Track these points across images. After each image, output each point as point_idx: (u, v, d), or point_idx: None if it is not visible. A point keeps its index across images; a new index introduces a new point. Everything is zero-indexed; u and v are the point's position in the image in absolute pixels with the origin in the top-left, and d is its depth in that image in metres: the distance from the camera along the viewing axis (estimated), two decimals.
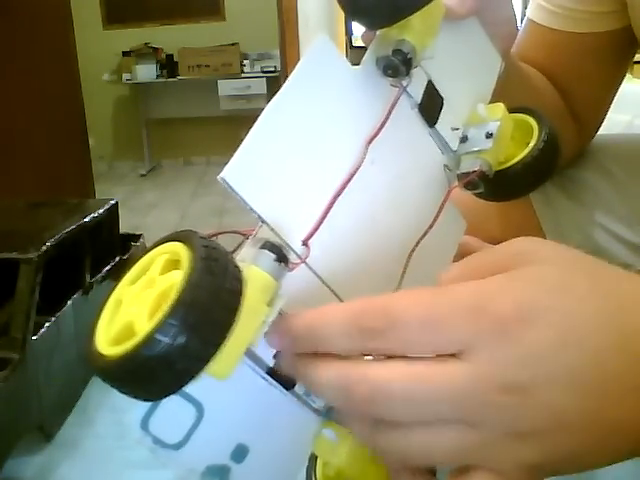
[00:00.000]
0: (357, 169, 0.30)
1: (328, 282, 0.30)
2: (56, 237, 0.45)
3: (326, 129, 0.30)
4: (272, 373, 0.29)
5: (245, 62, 4.52)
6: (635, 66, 1.61)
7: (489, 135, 0.37)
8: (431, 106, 0.35)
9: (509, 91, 0.47)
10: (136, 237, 0.62)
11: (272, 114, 0.27)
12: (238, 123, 4.80)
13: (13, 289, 0.41)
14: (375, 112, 0.32)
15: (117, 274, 0.55)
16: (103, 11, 4.77)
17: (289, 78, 0.28)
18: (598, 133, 0.65)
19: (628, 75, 0.65)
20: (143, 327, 0.22)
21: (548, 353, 0.23)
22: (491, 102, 0.40)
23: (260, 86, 4.40)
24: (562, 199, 0.61)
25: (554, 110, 0.59)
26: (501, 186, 0.38)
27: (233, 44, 4.53)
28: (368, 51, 0.33)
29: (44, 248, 0.43)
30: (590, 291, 0.24)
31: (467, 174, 0.36)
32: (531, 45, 0.60)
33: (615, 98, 0.62)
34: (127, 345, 0.22)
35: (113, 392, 0.47)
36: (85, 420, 0.44)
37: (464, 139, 0.37)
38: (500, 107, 0.38)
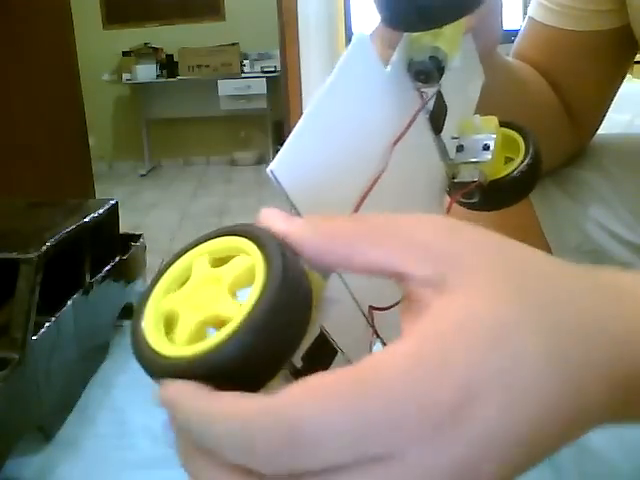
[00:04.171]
0: (383, 171, 0.30)
1: (350, 287, 0.29)
2: (56, 237, 0.45)
3: (358, 129, 0.30)
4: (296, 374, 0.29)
5: (245, 62, 4.53)
6: (635, 66, 1.61)
7: (486, 147, 0.38)
8: (439, 114, 0.36)
9: (499, 91, 0.47)
10: (136, 237, 0.62)
11: (315, 112, 0.27)
12: (238, 123, 4.81)
13: (13, 289, 0.41)
14: (398, 114, 0.32)
15: (117, 274, 0.55)
16: (103, 11, 4.77)
17: (331, 75, 0.28)
18: (598, 133, 0.65)
19: (628, 75, 0.65)
20: (232, 317, 0.22)
21: (491, 434, 0.20)
22: (483, 103, 0.41)
23: (260, 86, 4.40)
24: (561, 199, 0.61)
25: (548, 109, 0.59)
26: (489, 197, 0.39)
27: (233, 44, 4.53)
28: (397, 54, 0.33)
29: (44, 248, 0.43)
30: (530, 331, 0.21)
31: (464, 184, 0.37)
32: (531, 43, 0.60)
33: (615, 98, 0.62)
34: (216, 339, 0.21)
35: (113, 392, 0.47)
36: (85, 420, 0.44)
37: (460, 148, 0.38)
38: (494, 120, 0.39)
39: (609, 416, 0.23)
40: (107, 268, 0.53)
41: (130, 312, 0.58)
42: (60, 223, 0.48)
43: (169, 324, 0.24)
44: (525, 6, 2.29)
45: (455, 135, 0.38)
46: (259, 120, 4.62)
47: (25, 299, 0.40)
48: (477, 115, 0.40)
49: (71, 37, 2.29)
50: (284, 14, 2.29)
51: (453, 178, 0.38)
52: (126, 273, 0.57)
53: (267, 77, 4.41)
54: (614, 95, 0.62)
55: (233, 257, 0.24)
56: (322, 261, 0.23)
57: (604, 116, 0.63)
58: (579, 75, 0.59)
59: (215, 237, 0.25)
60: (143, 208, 3.80)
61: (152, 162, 4.93)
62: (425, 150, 0.36)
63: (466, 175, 0.37)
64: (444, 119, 0.37)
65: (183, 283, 0.25)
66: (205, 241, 0.25)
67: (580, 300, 0.23)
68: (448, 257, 0.22)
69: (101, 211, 0.53)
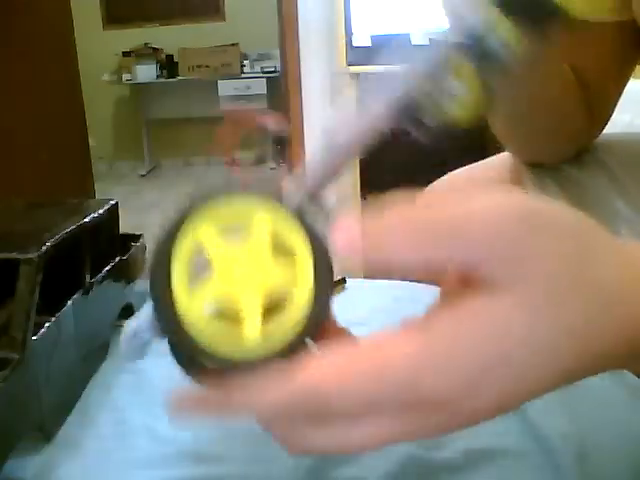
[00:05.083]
0: None
1: None
2: (56, 237, 0.45)
3: None
4: None
5: (245, 62, 4.52)
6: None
7: None
8: None
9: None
10: (136, 237, 0.62)
11: None
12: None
13: (13, 289, 0.41)
14: None
15: (117, 274, 0.55)
16: (103, 11, 4.77)
17: None
18: None
19: None
20: (253, 334, 0.23)
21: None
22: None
23: (260, 86, 4.40)
24: (561, 198, 0.61)
25: (572, 87, 0.59)
26: None
27: (233, 44, 4.53)
28: None
29: (44, 248, 0.43)
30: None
31: None
32: None
33: None
34: (239, 349, 0.22)
35: (113, 392, 0.47)
36: (85, 420, 0.44)
37: None
38: None
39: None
40: (107, 268, 0.53)
41: (130, 312, 0.58)
42: (60, 223, 0.48)
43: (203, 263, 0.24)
44: None
45: None
46: None
47: (25, 299, 0.40)
48: None
49: (71, 37, 2.29)
50: (284, 14, 2.29)
51: None
52: (126, 273, 0.57)
53: (267, 77, 4.41)
54: (624, 87, 0.62)
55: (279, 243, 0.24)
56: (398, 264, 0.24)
57: (614, 109, 0.63)
58: (598, 59, 0.59)
59: (264, 200, 0.24)
60: (143, 208, 3.80)
61: (152, 162, 4.93)
62: None
63: None
64: None
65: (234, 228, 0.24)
66: (258, 199, 0.24)
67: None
68: (514, 262, 0.23)
69: (101, 211, 0.53)
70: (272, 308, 0.23)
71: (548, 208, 0.24)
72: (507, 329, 0.22)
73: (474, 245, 0.23)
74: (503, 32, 0.33)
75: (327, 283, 0.23)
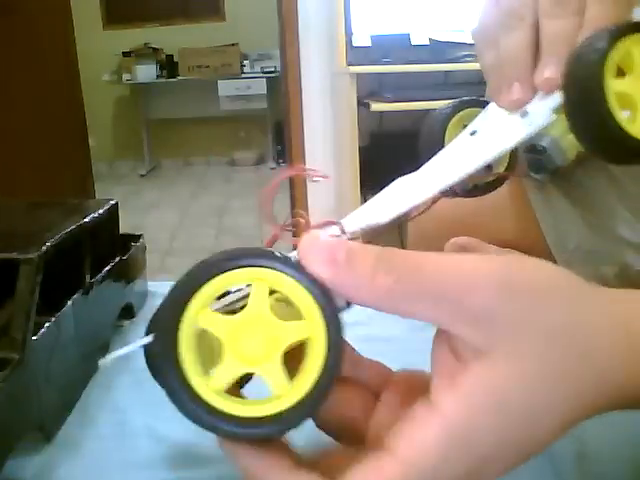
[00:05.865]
0: None
1: None
2: (56, 237, 0.45)
3: None
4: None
5: (245, 62, 4.53)
6: None
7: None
8: None
9: None
10: (136, 237, 0.62)
11: None
12: (238, 123, 4.81)
13: (13, 289, 0.41)
14: None
15: (117, 274, 0.55)
16: (103, 11, 4.77)
17: None
18: None
19: None
20: (282, 391, 0.23)
21: None
22: None
23: (260, 86, 4.41)
24: (561, 199, 0.61)
25: None
26: None
27: (233, 44, 4.53)
28: None
29: (44, 248, 0.43)
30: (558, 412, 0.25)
31: None
32: None
33: None
34: (268, 409, 0.22)
35: (113, 392, 0.47)
36: (85, 420, 0.44)
37: None
38: None
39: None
40: (107, 268, 0.53)
41: (130, 312, 0.58)
42: (60, 223, 0.48)
43: (207, 352, 0.24)
44: None
45: None
46: (259, 120, 4.62)
47: (25, 299, 0.40)
48: None
49: (71, 37, 2.29)
50: (284, 14, 2.29)
51: None
52: (126, 273, 0.57)
53: (267, 77, 4.41)
54: None
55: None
56: (377, 308, 0.24)
57: None
58: None
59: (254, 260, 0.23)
60: (143, 208, 3.80)
61: (152, 162, 4.93)
62: None
63: None
64: None
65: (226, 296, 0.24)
66: (244, 261, 0.23)
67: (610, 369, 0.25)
68: (497, 325, 0.23)
69: (101, 211, 0.53)
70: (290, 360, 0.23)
71: (532, 272, 0.24)
72: (506, 399, 0.23)
73: (452, 308, 0.23)
74: (564, 141, 0.34)
75: (339, 326, 0.23)
